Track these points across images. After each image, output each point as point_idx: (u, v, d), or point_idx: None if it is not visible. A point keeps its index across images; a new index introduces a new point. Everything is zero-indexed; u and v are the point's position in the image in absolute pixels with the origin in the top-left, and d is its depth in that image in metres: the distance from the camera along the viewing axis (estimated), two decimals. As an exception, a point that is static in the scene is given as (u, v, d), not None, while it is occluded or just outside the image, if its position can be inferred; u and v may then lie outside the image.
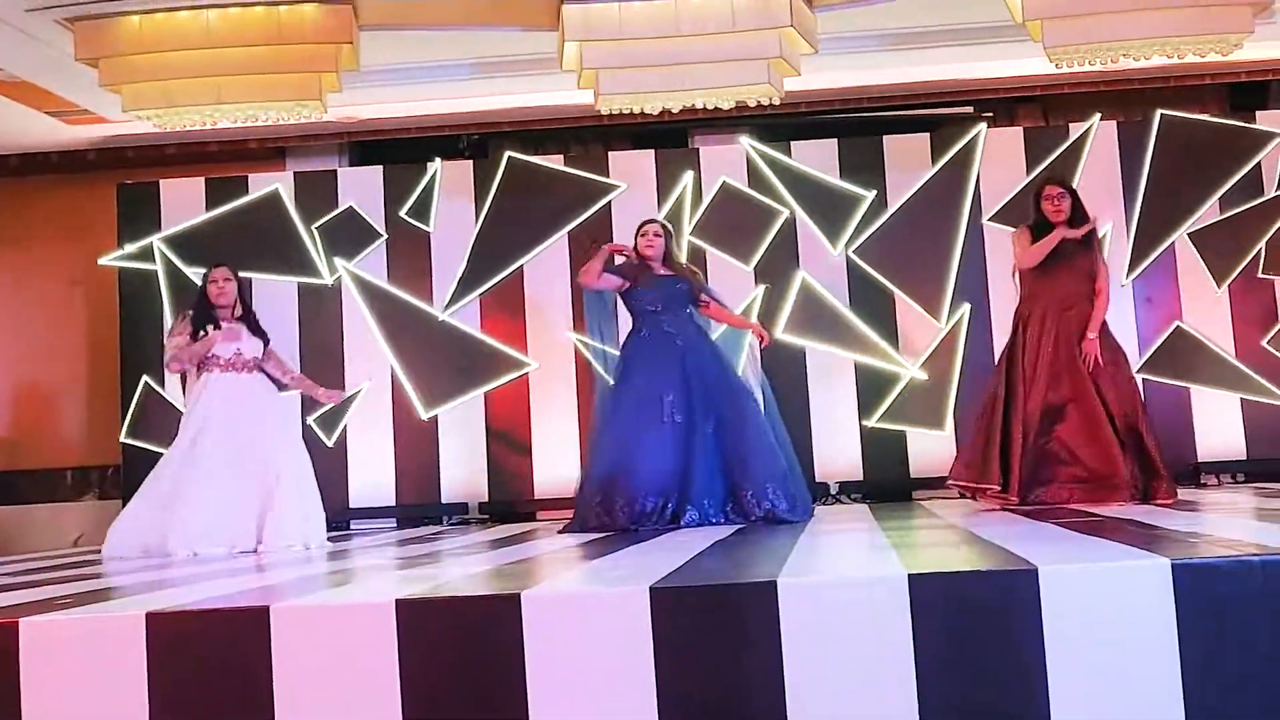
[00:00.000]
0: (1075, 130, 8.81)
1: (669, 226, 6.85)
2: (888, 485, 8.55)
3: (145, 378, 8.83)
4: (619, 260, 6.59)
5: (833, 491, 8.59)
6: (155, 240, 8.98)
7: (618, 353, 6.71)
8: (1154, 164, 8.70)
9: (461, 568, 4.33)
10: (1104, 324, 6.34)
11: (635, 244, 6.61)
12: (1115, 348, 6.33)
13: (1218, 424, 8.50)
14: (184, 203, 9.10)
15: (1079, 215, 6.39)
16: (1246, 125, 8.78)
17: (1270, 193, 8.65)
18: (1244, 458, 8.46)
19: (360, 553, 5.72)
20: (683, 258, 6.97)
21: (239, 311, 6.64)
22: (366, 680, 3.03)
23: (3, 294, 9.66)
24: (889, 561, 3.61)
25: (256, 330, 6.65)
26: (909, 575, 3.02)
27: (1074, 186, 6.61)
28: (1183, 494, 7.04)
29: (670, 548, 4.57)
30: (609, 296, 6.77)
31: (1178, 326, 8.59)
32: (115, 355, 8.98)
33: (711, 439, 6.28)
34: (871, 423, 8.65)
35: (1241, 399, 8.51)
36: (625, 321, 6.82)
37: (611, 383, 6.67)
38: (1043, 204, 6.38)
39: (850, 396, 8.69)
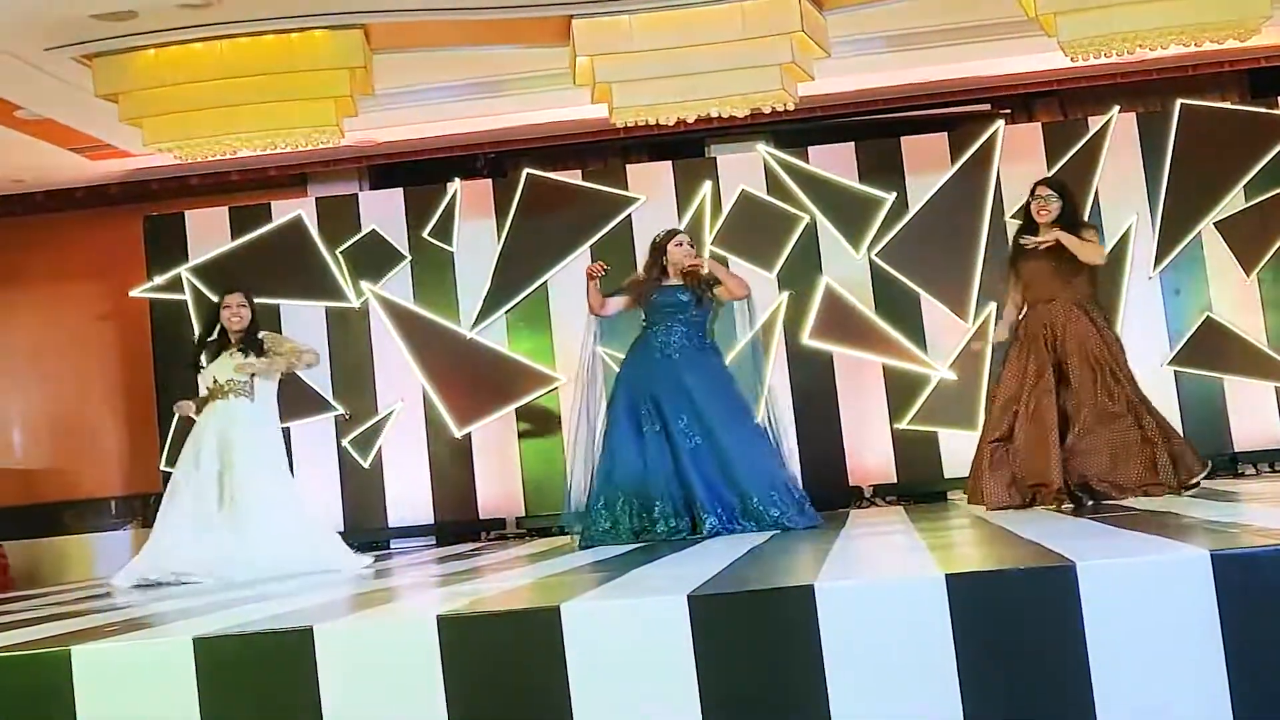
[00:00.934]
0: (1095, 123, 8.78)
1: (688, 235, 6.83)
2: (922, 486, 8.53)
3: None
4: (625, 280, 6.58)
5: (866, 494, 8.57)
6: (183, 271, 9.06)
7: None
8: (1176, 154, 8.66)
9: (501, 582, 4.34)
10: (1105, 319, 6.29)
11: (665, 254, 6.56)
12: (1113, 340, 6.25)
13: (1253, 413, 8.44)
14: (209, 232, 9.18)
15: (1070, 214, 6.30)
16: (1268, 111, 8.73)
17: (1294, 179, 8.60)
18: (1280, 446, 8.41)
19: (400, 571, 5.74)
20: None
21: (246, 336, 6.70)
22: (412, 696, 3.05)
23: (36, 330, 9.77)
24: (925, 563, 3.61)
25: (253, 348, 6.65)
26: (946, 576, 3.01)
27: (1069, 187, 6.47)
28: (1221, 485, 7.00)
29: (705, 556, 4.57)
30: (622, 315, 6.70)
31: (1208, 317, 8.54)
32: (150, 385, 9.05)
33: (703, 449, 6.24)
34: (903, 425, 8.63)
35: (1276, 387, 8.45)
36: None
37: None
38: (1031, 203, 6.32)
39: (880, 399, 8.68)
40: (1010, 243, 6.46)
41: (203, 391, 6.67)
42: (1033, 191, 6.37)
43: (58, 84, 7.53)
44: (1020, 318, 6.33)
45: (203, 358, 6.70)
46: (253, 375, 6.60)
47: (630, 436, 6.30)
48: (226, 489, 6.42)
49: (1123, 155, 8.69)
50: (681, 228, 7.32)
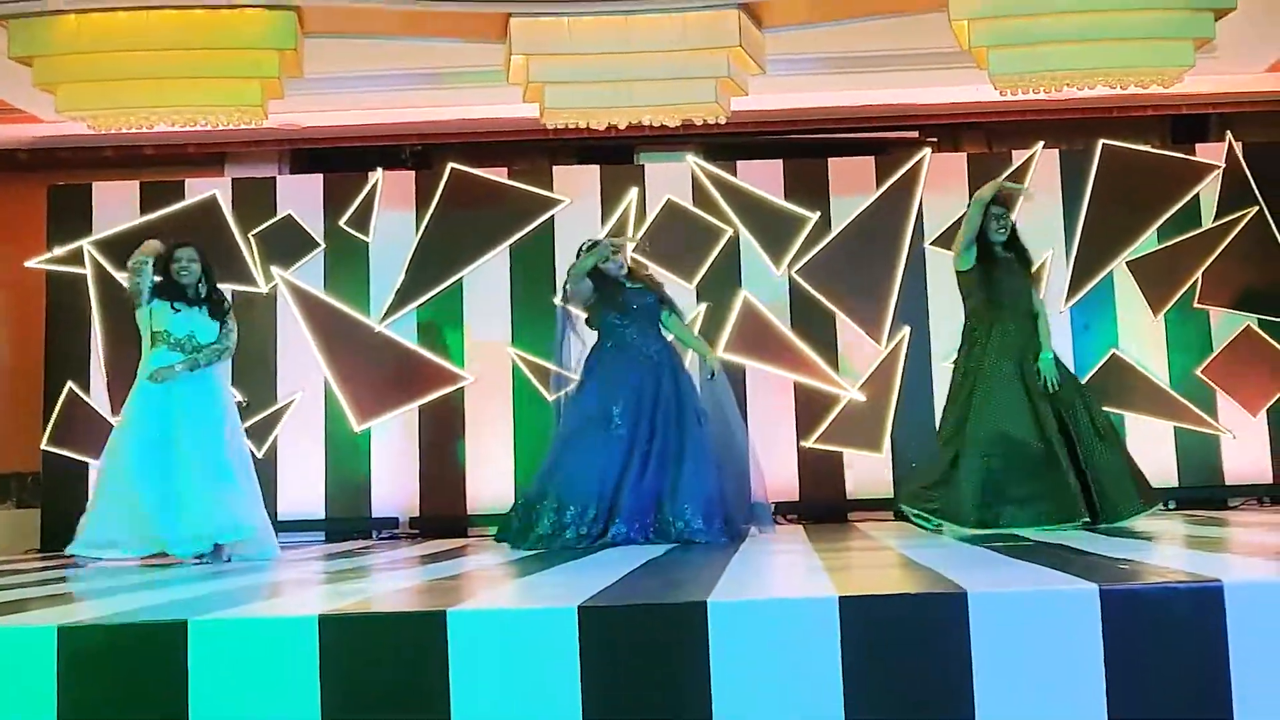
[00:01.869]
0: (1018, 157, 8.89)
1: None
2: (824, 506, 8.54)
3: (70, 384, 8.66)
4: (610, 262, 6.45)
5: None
6: (86, 244, 8.82)
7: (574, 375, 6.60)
8: (1095, 192, 8.80)
9: (389, 583, 4.25)
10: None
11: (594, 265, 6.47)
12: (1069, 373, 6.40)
13: (1152, 451, 8.49)
14: (117, 207, 8.94)
15: (1016, 238, 6.45)
16: (1186, 157, 8.89)
17: (1207, 224, 8.77)
18: (1176, 485, 8.53)
19: (285, 566, 5.61)
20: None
21: (204, 293, 6.38)
22: (287, 697, 2.95)
23: (-77, 294, 9.44)
24: (821, 583, 3.58)
25: (217, 315, 6.38)
26: (840, 597, 2.99)
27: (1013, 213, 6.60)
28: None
29: (602, 566, 4.52)
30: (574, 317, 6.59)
31: (1114, 353, 8.67)
32: (39, 361, 8.78)
33: (649, 457, 6.21)
34: (809, 443, 8.64)
35: (1175, 427, 8.59)
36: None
37: (568, 397, 6.56)
38: (990, 224, 6.40)
39: (789, 416, 8.69)
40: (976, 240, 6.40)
41: (159, 335, 6.29)
42: (986, 211, 6.39)
43: (-32, 43, 7.28)
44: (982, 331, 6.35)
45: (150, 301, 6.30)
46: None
47: (597, 440, 6.17)
48: (175, 454, 6.16)
49: (1043, 190, 8.79)
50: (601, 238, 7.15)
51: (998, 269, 6.40)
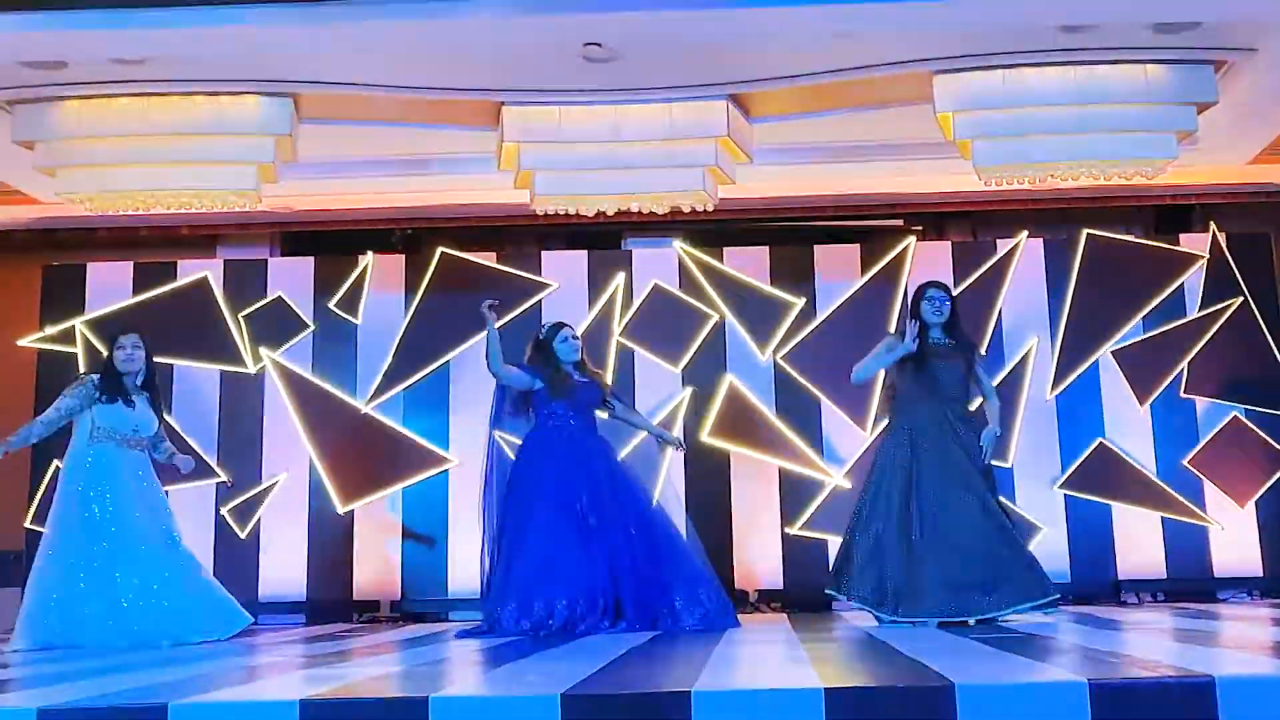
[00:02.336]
0: (1003, 246, 8.97)
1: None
2: (808, 595, 8.48)
3: (56, 462, 8.58)
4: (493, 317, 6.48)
5: (752, 599, 8.51)
6: (77, 323, 8.84)
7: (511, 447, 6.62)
8: (1079, 282, 8.86)
9: (371, 668, 4.21)
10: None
11: (553, 344, 6.55)
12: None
13: (1139, 542, 8.56)
14: (110, 287, 8.97)
15: (955, 321, 6.42)
16: (1170, 247, 8.97)
17: (1192, 314, 8.83)
18: (1164, 576, 8.51)
19: (266, 649, 5.55)
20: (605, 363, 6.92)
21: (140, 381, 6.63)
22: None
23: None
24: (805, 674, 3.56)
25: (155, 406, 6.64)
26: (825, 689, 2.97)
27: (955, 295, 6.59)
28: (1103, 612, 7.07)
29: (585, 653, 4.48)
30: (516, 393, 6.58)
31: (1100, 443, 8.68)
32: (26, 438, 8.73)
33: (629, 545, 6.19)
34: (794, 530, 8.61)
35: (1162, 517, 8.59)
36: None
37: (509, 476, 6.48)
38: (922, 304, 6.40)
39: (773, 502, 8.67)
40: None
41: (127, 432, 6.45)
42: (923, 294, 6.42)
43: (-29, 126, 7.36)
44: (906, 419, 6.35)
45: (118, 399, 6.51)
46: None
47: (567, 530, 6.14)
48: (119, 541, 6.20)
49: (1028, 278, 8.88)
50: (566, 321, 7.16)
51: (931, 355, 6.35)
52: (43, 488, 8.60)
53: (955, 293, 8.20)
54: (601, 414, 6.67)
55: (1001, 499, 6.38)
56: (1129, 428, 8.73)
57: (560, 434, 6.41)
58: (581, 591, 5.98)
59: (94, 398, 6.49)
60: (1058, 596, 6.10)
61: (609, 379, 6.84)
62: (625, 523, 6.23)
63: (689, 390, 8.73)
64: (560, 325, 6.67)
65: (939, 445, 6.21)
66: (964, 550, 5.97)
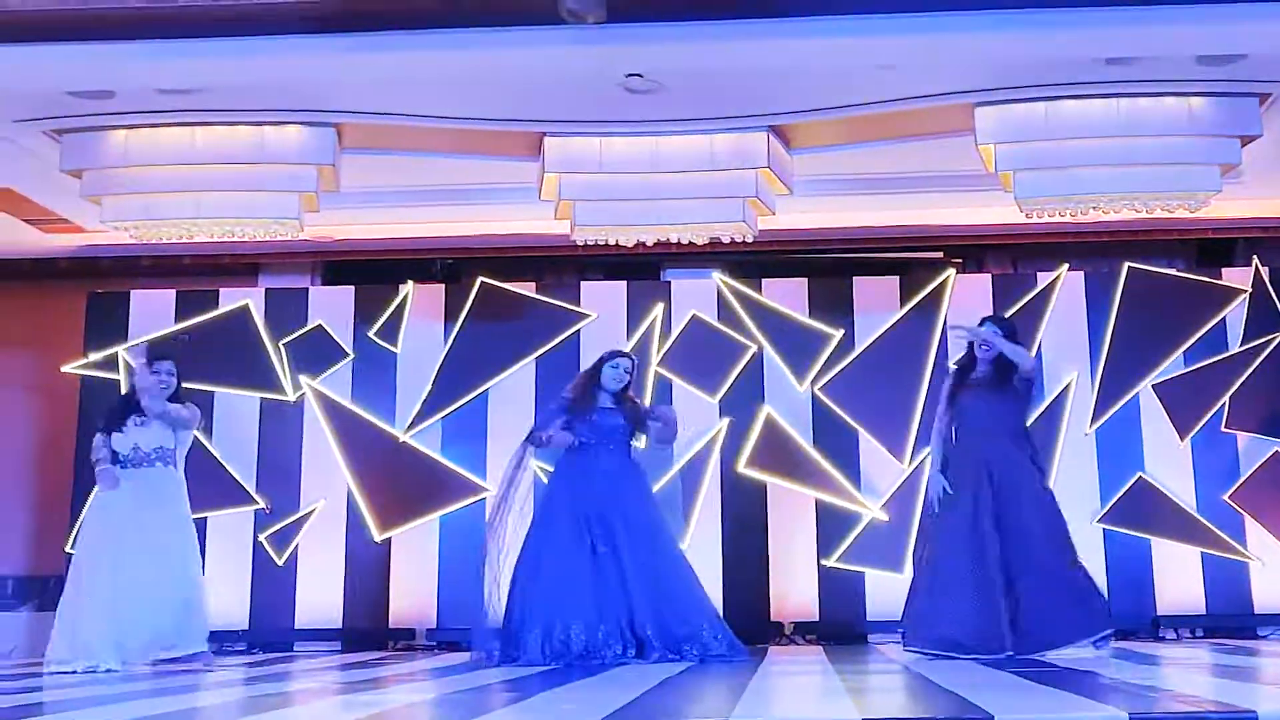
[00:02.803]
0: (1043, 279, 8.92)
1: (635, 360, 6.90)
2: (843, 627, 8.43)
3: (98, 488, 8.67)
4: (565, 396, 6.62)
5: (787, 631, 8.45)
6: (121, 350, 8.93)
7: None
8: (1120, 315, 8.80)
9: (406, 695, 4.22)
10: (1040, 470, 6.38)
11: (600, 370, 6.62)
12: (1043, 487, 6.33)
13: (1178, 577, 8.45)
14: (153, 314, 9.06)
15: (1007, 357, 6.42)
16: (1212, 281, 8.90)
17: (1234, 348, 8.74)
18: (1203, 612, 8.40)
19: (302, 675, 5.57)
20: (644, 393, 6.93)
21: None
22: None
23: (-40, 398, 9.54)
24: (843, 707, 3.54)
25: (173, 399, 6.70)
26: (861, 720, 2.95)
27: (1014, 328, 6.60)
28: (1142, 647, 6.99)
29: (619, 684, 4.47)
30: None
31: (1140, 477, 8.59)
32: (69, 464, 8.83)
33: (647, 572, 6.19)
34: (830, 562, 8.56)
35: (1202, 553, 8.48)
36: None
37: (536, 507, 6.61)
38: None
39: (810, 534, 8.62)
40: (953, 379, 6.53)
41: (126, 451, 6.52)
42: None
43: (22, 155, 7.46)
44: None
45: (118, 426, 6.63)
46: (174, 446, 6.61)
47: (581, 558, 6.18)
48: (127, 559, 6.26)
49: (1068, 311, 8.82)
50: (627, 350, 7.30)
51: (966, 393, 6.42)
52: (83, 512, 8.67)
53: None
54: (637, 444, 6.68)
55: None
56: (1169, 462, 8.63)
57: (581, 459, 6.48)
58: (594, 619, 5.99)
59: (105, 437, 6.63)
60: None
61: (643, 406, 6.80)
62: (637, 551, 6.22)
63: (726, 421, 8.71)
64: (615, 354, 6.77)
65: (971, 485, 6.19)
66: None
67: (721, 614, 6.64)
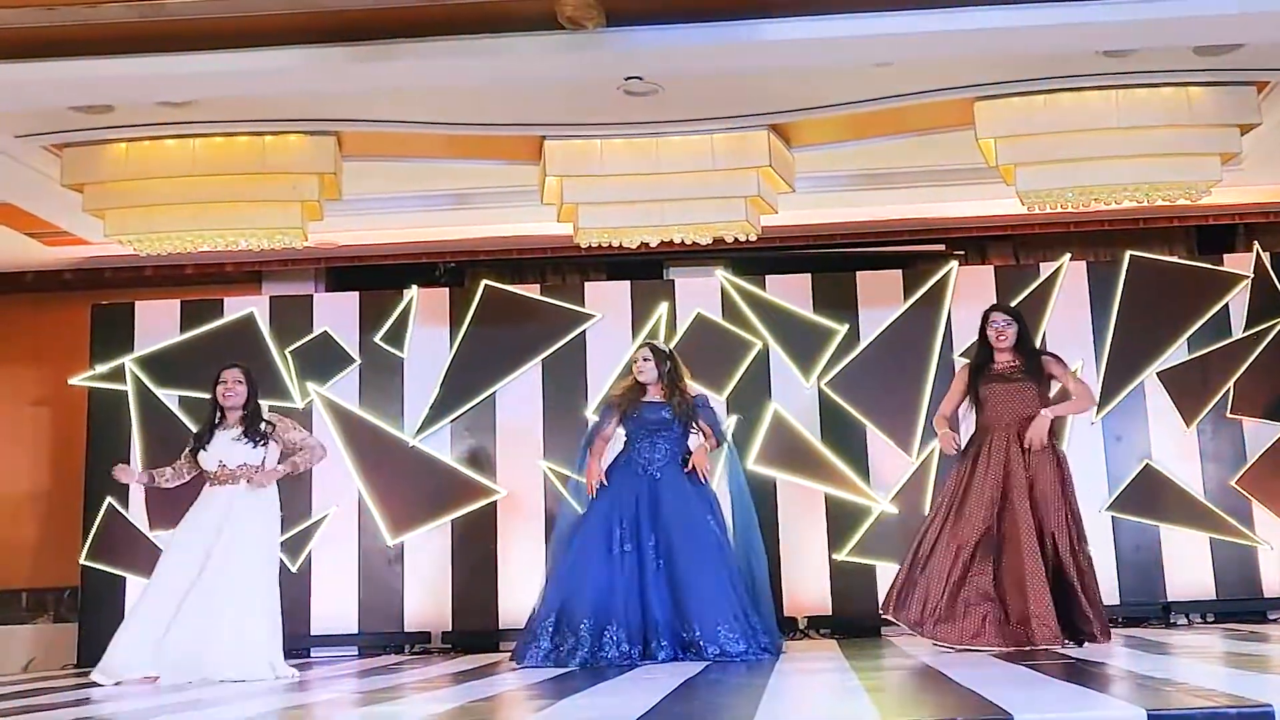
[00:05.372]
0: (1046, 269, 8.94)
1: (662, 349, 6.90)
2: (857, 620, 8.46)
3: (109, 499, 8.71)
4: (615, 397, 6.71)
5: (800, 626, 8.49)
6: (127, 361, 8.95)
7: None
8: (1123, 303, 8.82)
9: (426, 704, 4.24)
10: (1058, 450, 6.35)
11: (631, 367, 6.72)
12: (1064, 479, 6.32)
13: (1187, 564, 8.48)
14: (158, 324, 9.08)
15: (1025, 344, 6.46)
16: (1214, 267, 8.92)
17: (1237, 334, 8.76)
18: (1214, 598, 8.43)
19: (320, 684, 5.60)
20: (686, 380, 6.86)
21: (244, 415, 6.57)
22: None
23: (-34, 412, 9.57)
24: (863, 708, 3.56)
25: (254, 435, 6.51)
26: (882, 724, 2.98)
27: (1023, 317, 6.63)
28: (1153, 635, 7.02)
29: (638, 687, 4.50)
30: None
31: (1147, 465, 8.62)
32: (79, 476, 8.86)
33: (661, 574, 6.21)
34: (841, 556, 8.59)
35: (1211, 539, 8.51)
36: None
37: (580, 510, 6.67)
38: (986, 330, 6.49)
39: (820, 529, 8.65)
40: (969, 373, 6.60)
41: (212, 468, 6.50)
42: (987, 318, 6.49)
43: (23, 170, 7.48)
44: (975, 446, 6.41)
45: (206, 438, 6.56)
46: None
47: (601, 556, 6.24)
48: (206, 577, 6.21)
49: (1072, 301, 8.84)
50: (655, 340, 7.33)
51: (986, 383, 6.46)
52: (95, 524, 8.71)
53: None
54: (695, 440, 6.67)
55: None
56: (1176, 449, 8.66)
57: (624, 457, 6.52)
58: (610, 617, 6.03)
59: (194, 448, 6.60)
60: None
61: (690, 397, 6.75)
62: (663, 549, 6.23)
63: (734, 419, 8.73)
64: (641, 346, 6.82)
65: (993, 472, 6.22)
66: None
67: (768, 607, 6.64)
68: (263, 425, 6.56)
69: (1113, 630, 6.32)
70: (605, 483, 6.52)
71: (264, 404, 6.80)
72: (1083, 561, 6.15)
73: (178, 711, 4.23)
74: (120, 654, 6.11)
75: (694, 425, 6.67)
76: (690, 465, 6.54)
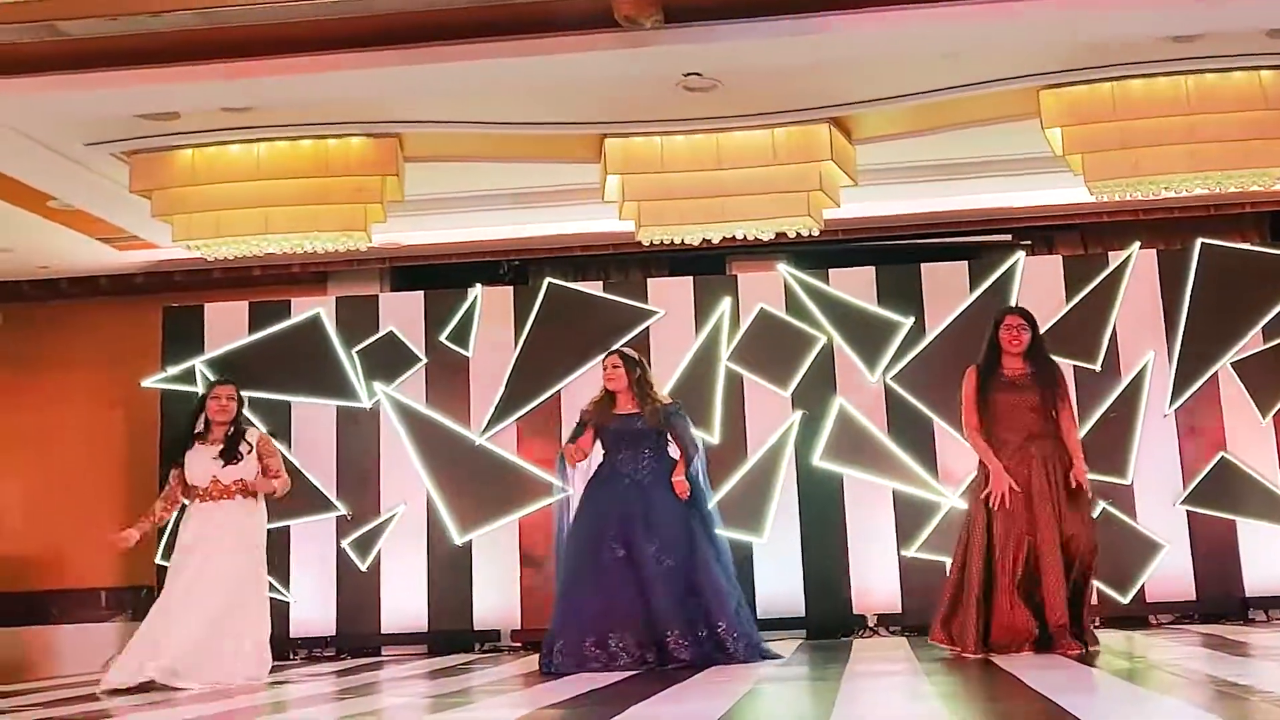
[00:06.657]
0: (1115, 258, 8.78)
1: (632, 355, 6.74)
2: (926, 617, 8.35)
3: (184, 500, 8.82)
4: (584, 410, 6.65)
5: (870, 623, 8.43)
6: (197, 362, 9.07)
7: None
8: (1195, 292, 8.64)
9: (495, 710, 4.26)
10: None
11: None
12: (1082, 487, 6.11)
13: (1265, 557, 8.31)
14: (228, 326, 9.20)
15: (1037, 349, 6.25)
16: (1287, 254, 8.74)
17: (1314, 322, 8.58)
18: (1291, 592, 8.27)
19: (390, 686, 5.64)
20: (660, 389, 6.78)
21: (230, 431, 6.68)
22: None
23: (43, 416, 9.74)
24: (937, 715, 3.53)
25: (232, 452, 6.62)
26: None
27: (1036, 320, 6.35)
28: (1231, 632, 6.88)
29: (701, 693, 4.48)
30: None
31: (1223, 457, 8.45)
32: (154, 476, 8.98)
33: (667, 575, 6.16)
34: (910, 552, 8.51)
35: (1290, 531, 8.34)
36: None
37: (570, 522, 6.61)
38: (999, 332, 6.24)
39: (889, 525, 8.58)
40: (978, 377, 6.36)
41: (204, 484, 6.60)
42: (1001, 321, 6.28)
43: (94, 178, 7.63)
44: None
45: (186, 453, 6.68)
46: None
47: (591, 570, 6.18)
48: (201, 582, 6.36)
49: (1142, 291, 8.69)
50: (620, 347, 7.18)
51: (994, 391, 6.22)
52: (169, 525, 8.82)
53: (1068, 306, 8.14)
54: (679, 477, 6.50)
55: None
56: (1252, 441, 8.48)
57: (606, 470, 6.47)
58: (611, 628, 5.99)
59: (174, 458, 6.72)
60: None
61: (662, 405, 6.59)
62: (656, 553, 6.16)
63: (799, 414, 8.69)
64: (610, 353, 6.74)
65: (1016, 506, 6.04)
66: None
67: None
68: (242, 446, 6.65)
69: (1191, 626, 6.18)
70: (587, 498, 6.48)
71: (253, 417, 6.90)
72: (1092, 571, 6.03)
73: (248, 717, 4.28)
74: (130, 660, 6.23)
75: (664, 427, 6.53)
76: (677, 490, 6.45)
